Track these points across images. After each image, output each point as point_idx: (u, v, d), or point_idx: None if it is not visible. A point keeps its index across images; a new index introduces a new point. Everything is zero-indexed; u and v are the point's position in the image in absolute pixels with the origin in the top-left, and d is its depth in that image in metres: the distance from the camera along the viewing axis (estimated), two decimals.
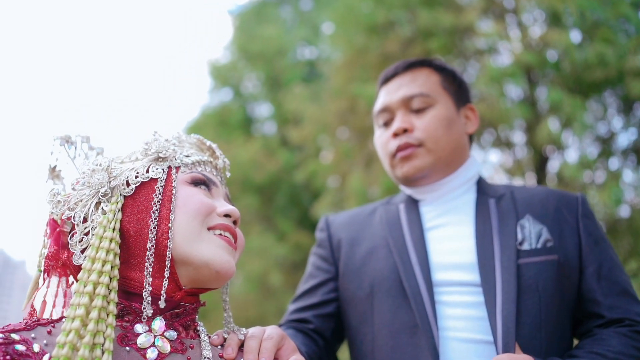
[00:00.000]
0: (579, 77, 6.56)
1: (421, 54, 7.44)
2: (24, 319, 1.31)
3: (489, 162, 8.18)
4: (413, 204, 2.11)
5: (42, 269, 1.42)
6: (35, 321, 1.26)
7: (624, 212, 6.75)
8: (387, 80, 2.19)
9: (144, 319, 1.30)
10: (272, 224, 11.96)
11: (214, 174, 1.53)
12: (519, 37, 7.41)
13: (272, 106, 14.03)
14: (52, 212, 1.39)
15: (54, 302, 1.45)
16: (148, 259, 1.32)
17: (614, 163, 7.05)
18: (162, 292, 1.31)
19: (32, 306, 1.42)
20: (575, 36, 6.87)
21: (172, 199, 1.36)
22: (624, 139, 7.06)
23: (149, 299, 1.30)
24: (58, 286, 1.45)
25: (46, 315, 1.43)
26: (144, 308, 1.29)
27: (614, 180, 6.40)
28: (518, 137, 7.81)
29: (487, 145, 8.06)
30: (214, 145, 1.57)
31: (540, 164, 7.33)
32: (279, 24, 14.96)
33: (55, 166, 1.48)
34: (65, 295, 1.46)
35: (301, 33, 14.51)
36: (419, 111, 2.07)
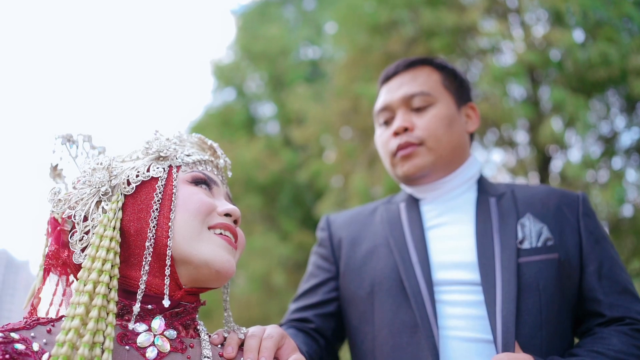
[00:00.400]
0: (582, 77, 6.55)
1: (424, 53, 7.44)
2: (24, 318, 1.31)
3: (492, 162, 8.19)
4: (414, 203, 2.11)
5: (43, 267, 1.43)
6: (34, 320, 1.26)
7: (627, 211, 6.74)
8: (388, 78, 2.19)
9: (134, 317, 1.30)
10: (275, 223, 11.97)
11: (215, 173, 1.53)
12: (522, 36, 7.40)
13: (275, 106, 14.04)
14: (52, 211, 1.39)
15: (53, 300, 1.45)
16: (145, 257, 1.31)
17: (617, 162, 7.05)
18: (165, 291, 1.31)
19: (32, 305, 1.42)
20: (578, 35, 6.86)
21: (173, 198, 1.36)
22: (627, 138, 7.05)
23: (140, 297, 1.29)
24: (58, 285, 1.46)
25: (46, 314, 1.43)
26: (135, 307, 1.29)
27: (617, 180, 6.39)
28: (521, 136, 7.81)
29: (490, 145, 8.06)
30: (215, 145, 1.57)
31: (543, 164, 7.33)
32: (282, 23, 14.97)
33: (57, 165, 1.48)
34: (65, 294, 1.46)
35: (304, 33, 14.52)
36: (419, 110, 2.06)
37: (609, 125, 7.21)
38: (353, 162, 8.50)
